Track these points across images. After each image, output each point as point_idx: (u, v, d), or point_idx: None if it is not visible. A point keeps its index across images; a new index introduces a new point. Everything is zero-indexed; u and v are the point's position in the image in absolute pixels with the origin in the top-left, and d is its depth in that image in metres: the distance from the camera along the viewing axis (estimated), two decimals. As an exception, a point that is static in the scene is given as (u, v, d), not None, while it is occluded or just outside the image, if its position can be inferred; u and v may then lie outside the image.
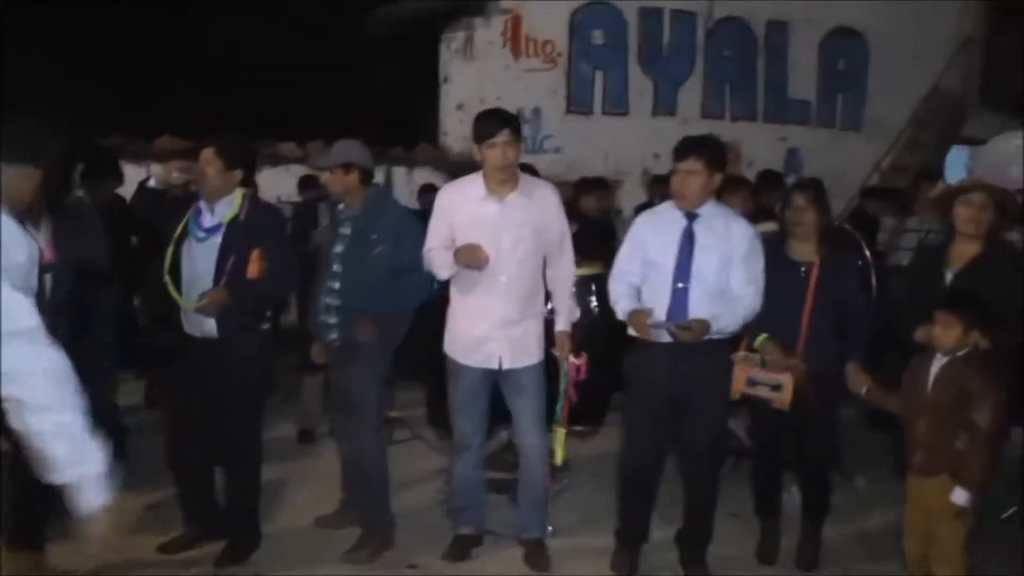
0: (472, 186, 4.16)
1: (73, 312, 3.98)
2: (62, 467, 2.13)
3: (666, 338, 3.89)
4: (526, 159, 4.64)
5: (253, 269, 4.01)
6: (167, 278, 4.05)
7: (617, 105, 11.15)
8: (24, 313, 2.12)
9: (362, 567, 4.23)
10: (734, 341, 4.14)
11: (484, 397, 4.22)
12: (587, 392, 4.32)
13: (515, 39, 10.76)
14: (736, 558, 4.36)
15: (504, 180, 4.07)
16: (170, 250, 4.06)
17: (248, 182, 4.17)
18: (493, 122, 4.05)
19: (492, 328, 4.09)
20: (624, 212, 8.55)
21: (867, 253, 5.54)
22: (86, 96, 10.01)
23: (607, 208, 7.82)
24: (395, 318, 4.23)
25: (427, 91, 10.98)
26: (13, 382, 2.10)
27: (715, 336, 3.89)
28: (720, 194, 5.49)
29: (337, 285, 4.23)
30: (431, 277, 4.35)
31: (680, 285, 3.91)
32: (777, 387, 3.99)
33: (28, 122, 2.86)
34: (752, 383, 4.03)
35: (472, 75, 10.62)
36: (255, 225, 4.04)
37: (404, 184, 9.75)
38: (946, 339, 3.55)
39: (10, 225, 2.25)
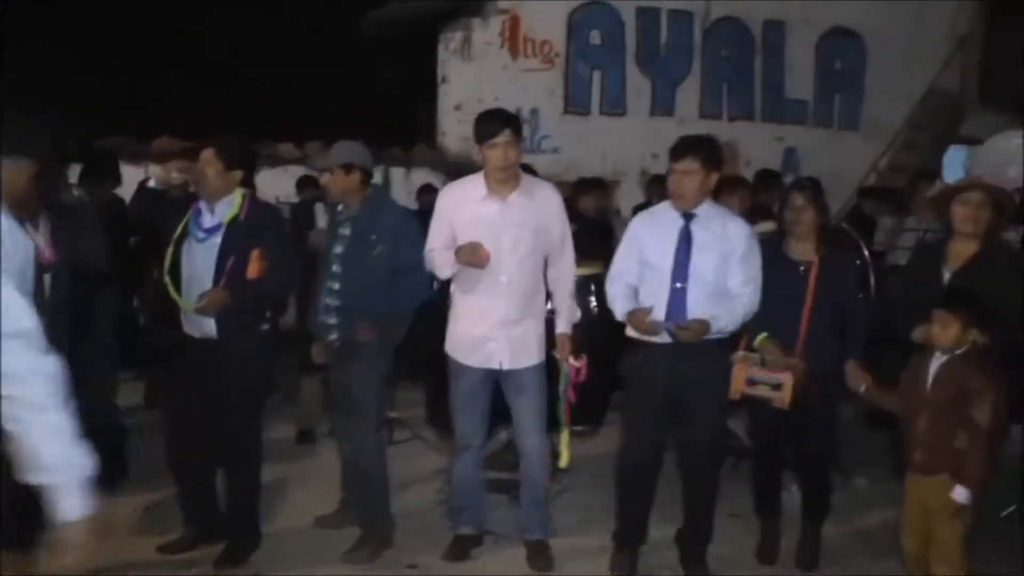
0: (473, 186, 4.16)
1: (73, 312, 3.99)
2: (48, 469, 2.10)
3: (665, 338, 3.89)
4: (524, 159, 4.64)
5: (253, 269, 4.01)
6: (167, 278, 4.05)
7: (615, 105, 11.15)
8: (22, 314, 2.12)
9: (362, 567, 4.24)
10: (733, 341, 4.15)
11: (485, 397, 4.23)
12: (586, 392, 4.33)
13: (513, 39, 10.76)
14: (736, 558, 4.37)
15: (505, 180, 4.08)
16: (170, 250, 4.07)
17: (248, 183, 4.16)
18: (494, 122, 4.05)
19: (492, 328, 4.10)
20: (622, 212, 8.55)
21: (865, 253, 5.55)
22: (86, 96, 10.02)
23: (605, 208, 7.84)
24: (395, 318, 4.23)
25: (425, 91, 10.98)
26: (8, 382, 2.09)
27: (714, 336, 3.89)
28: (718, 194, 5.51)
29: (337, 286, 4.23)
30: (431, 277, 4.36)
31: (678, 285, 3.91)
32: (777, 386, 3.99)
33: (19, 116, 2.87)
34: (752, 383, 4.03)
35: (470, 75, 10.62)
36: (255, 225, 4.04)
37: (402, 185, 9.75)
38: (944, 337, 3.56)
39: (9, 225, 2.25)
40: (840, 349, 4.10)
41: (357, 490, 4.51)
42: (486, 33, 10.67)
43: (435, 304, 4.89)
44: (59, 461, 2.09)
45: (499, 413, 4.31)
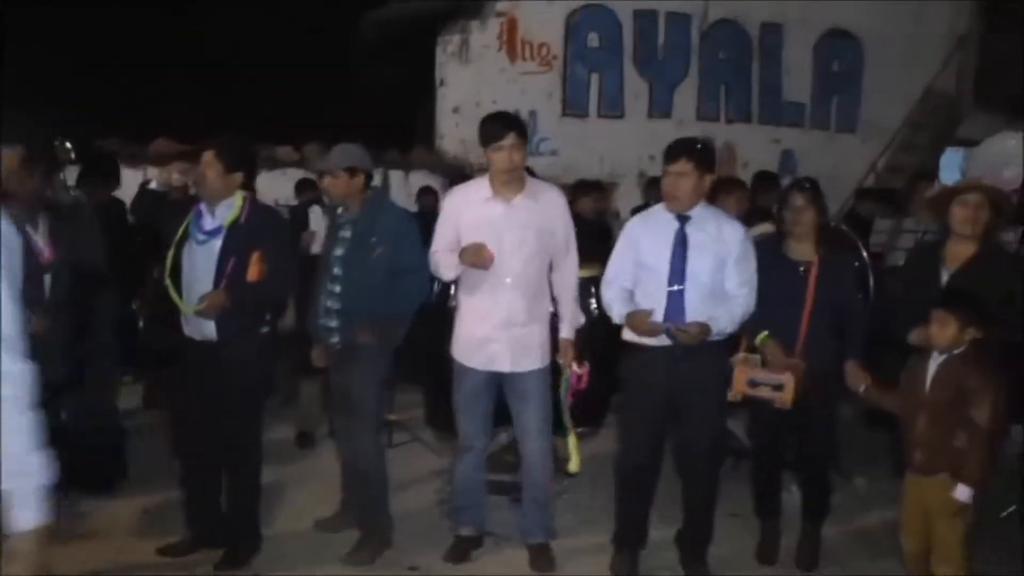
0: (478, 188, 4.18)
1: (73, 312, 4.00)
2: (5, 473, 2.01)
3: (664, 340, 3.90)
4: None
5: (253, 272, 4.01)
6: (168, 281, 4.05)
7: (613, 107, 11.17)
8: (8, 319, 2.09)
9: (363, 569, 4.24)
10: (732, 342, 4.15)
11: (488, 400, 4.23)
12: (586, 394, 4.33)
13: (511, 42, 10.77)
14: (736, 558, 4.37)
15: (509, 182, 4.09)
16: (171, 253, 4.07)
17: (249, 185, 4.16)
18: (499, 125, 4.06)
19: (495, 329, 4.10)
20: (621, 214, 8.56)
21: (864, 254, 5.56)
22: (85, 96, 10.01)
23: (603, 210, 7.85)
24: (394, 320, 4.23)
25: (423, 94, 10.99)
26: None
27: (713, 337, 3.90)
28: (715, 195, 5.54)
29: (338, 288, 4.22)
30: (431, 278, 4.37)
31: (675, 287, 3.92)
32: (778, 387, 4.00)
33: (4, 104, 2.88)
34: (753, 384, 4.04)
35: (468, 78, 10.63)
36: (255, 228, 4.04)
37: (401, 187, 9.75)
38: (942, 337, 3.57)
39: (5, 225, 2.24)
40: (840, 349, 4.11)
41: (356, 492, 4.51)
42: (484, 36, 10.68)
43: (434, 306, 4.90)
44: (14, 467, 2.01)
45: (499, 414, 4.31)
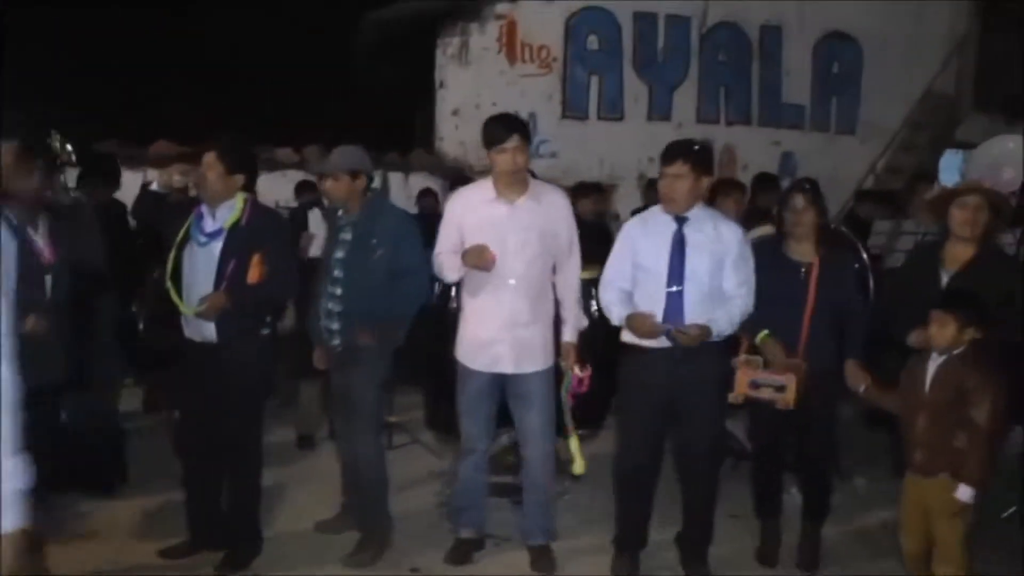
0: (482, 190, 4.19)
1: (74, 313, 4.00)
2: None
3: (663, 342, 3.90)
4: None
5: (253, 274, 4.02)
6: (169, 283, 4.06)
7: (612, 110, 11.17)
8: None
9: (364, 570, 4.24)
10: (733, 343, 4.16)
11: (491, 402, 4.23)
12: (586, 396, 4.33)
13: (510, 44, 10.77)
14: (736, 559, 4.38)
15: (513, 184, 4.09)
16: (172, 255, 4.07)
17: (250, 187, 4.16)
18: (503, 127, 4.06)
19: (499, 330, 4.10)
20: (620, 216, 8.57)
21: (864, 255, 5.57)
22: (85, 96, 10.02)
23: (603, 212, 7.86)
24: (395, 321, 4.23)
25: (422, 96, 11.00)
26: None
27: (712, 338, 3.91)
28: (714, 197, 5.55)
29: (339, 291, 4.22)
30: (432, 279, 4.37)
31: (674, 288, 3.93)
32: (780, 388, 4.01)
33: (4, 104, 2.89)
34: (755, 385, 4.04)
35: (467, 80, 10.63)
36: (256, 230, 4.05)
37: (400, 189, 9.74)
38: (942, 338, 3.58)
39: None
40: (840, 349, 4.12)
41: (357, 493, 4.51)
42: (483, 38, 10.69)
43: (434, 308, 4.91)
44: None
45: (500, 416, 4.31)
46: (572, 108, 11.06)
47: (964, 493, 3.48)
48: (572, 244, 4.25)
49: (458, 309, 4.38)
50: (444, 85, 10.71)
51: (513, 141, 4.02)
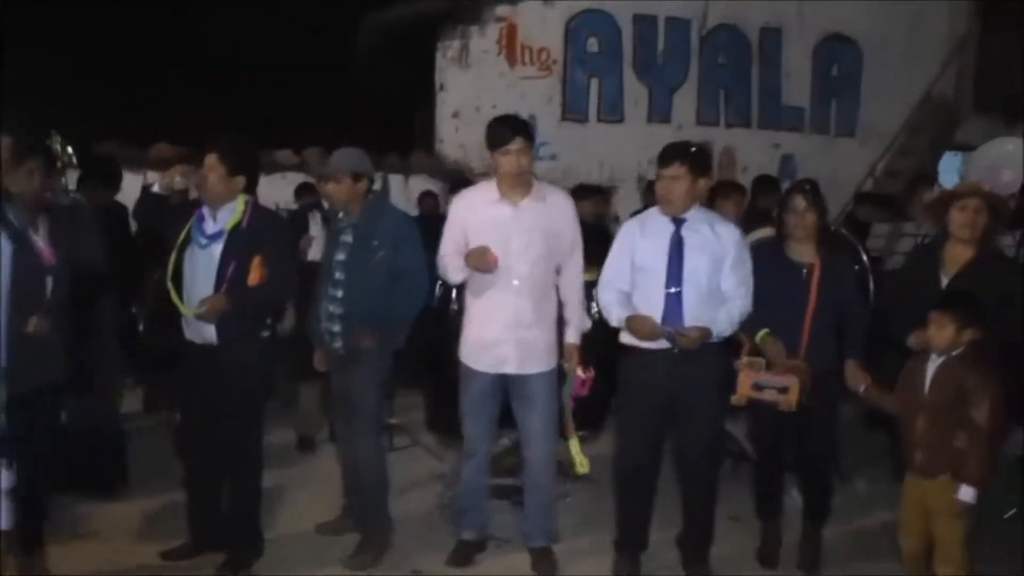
0: (486, 191, 4.19)
1: (75, 315, 4.00)
2: None
3: (663, 343, 3.91)
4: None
5: (254, 276, 4.01)
6: (169, 284, 4.06)
7: (612, 112, 11.18)
8: None
9: (365, 572, 4.24)
10: (735, 346, 4.17)
11: (494, 404, 4.23)
12: (587, 398, 4.34)
13: (510, 47, 10.78)
14: (737, 561, 4.38)
15: (516, 186, 4.10)
16: (173, 256, 4.07)
17: (251, 189, 4.16)
18: (506, 130, 4.06)
19: (503, 331, 4.10)
20: (620, 218, 8.57)
21: (864, 257, 5.58)
22: (85, 97, 10.01)
23: (603, 214, 7.86)
24: (396, 323, 4.24)
25: (423, 98, 11.01)
26: None
27: (712, 340, 3.92)
28: (713, 199, 5.56)
29: (340, 293, 4.22)
30: (433, 280, 4.37)
31: (673, 289, 3.94)
32: (783, 390, 4.01)
33: (4, 104, 2.90)
34: (758, 388, 4.05)
35: (468, 83, 10.64)
36: (257, 232, 4.04)
37: (400, 192, 9.76)
38: (940, 339, 3.59)
39: None
40: (840, 350, 4.13)
41: (357, 495, 4.51)
42: (483, 41, 10.70)
43: (435, 309, 4.91)
44: None
45: (501, 417, 4.31)
46: (572, 110, 11.07)
47: (966, 494, 3.49)
48: (575, 245, 4.25)
49: (459, 311, 4.39)
50: (444, 87, 10.73)
51: (517, 143, 4.02)
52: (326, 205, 5.75)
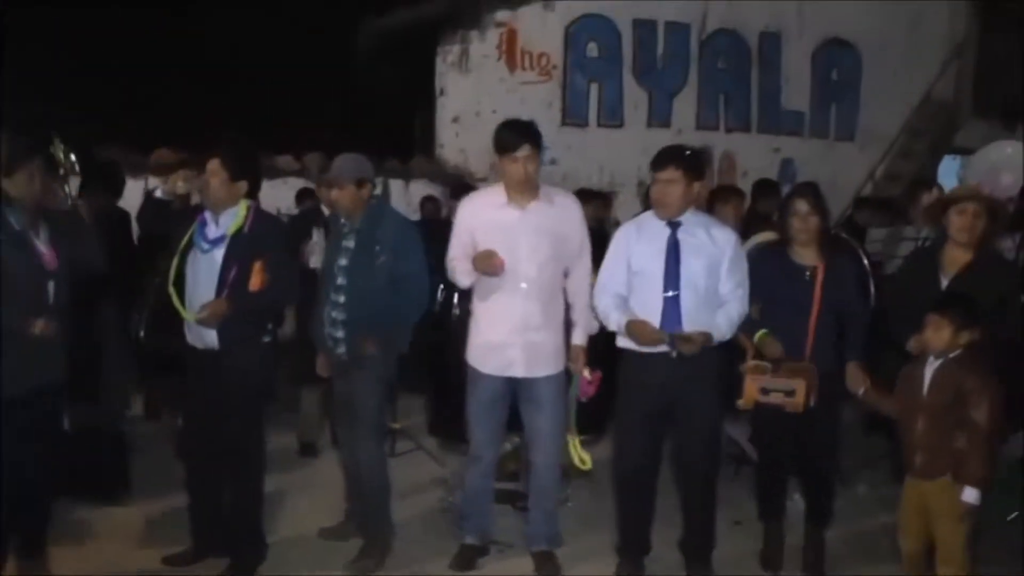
0: (493, 194, 4.21)
1: (78, 320, 4.01)
2: None
3: (662, 347, 3.92)
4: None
5: (255, 281, 4.02)
6: (171, 289, 4.07)
7: (612, 117, 11.19)
8: None
9: (368, 576, 4.26)
10: (739, 351, 4.18)
11: (502, 408, 4.24)
12: (589, 401, 4.34)
13: (510, 52, 10.80)
14: (740, 564, 4.39)
15: (524, 190, 4.11)
16: (175, 261, 4.08)
17: (254, 194, 4.18)
18: (514, 135, 4.07)
19: (511, 334, 4.11)
20: (621, 223, 8.57)
21: (864, 260, 5.59)
22: (85, 97, 10.00)
23: (603, 219, 7.88)
24: (398, 328, 4.25)
25: (423, 103, 11.02)
26: None
27: (713, 344, 3.93)
28: (713, 203, 5.57)
29: (342, 298, 4.22)
30: (436, 283, 4.38)
31: (670, 293, 3.95)
32: (791, 393, 4.02)
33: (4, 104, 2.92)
34: (765, 392, 4.05)
35: (468, 88, 10.66)
36: (258, 237, 4.06)
37: (401, 197, 9.78)
38: (937, 341, 3.61)
39: None
40: (841, 351, 4.14)
41: (359, 500, 4.52)
42: (483, 46, 10.71)
43: (436, 314, 4.92)
44: None
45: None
46: (572, 115, 11.08)
47: (970, 495, 3.50)
48: (583, 248, 4.26)
49: (460, 315, 4.39)
50: (444, 92, 10.74)
51: (524, 151, 4.03)
52: (326, 211, 5.75)
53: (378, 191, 4.65)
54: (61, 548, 4.15)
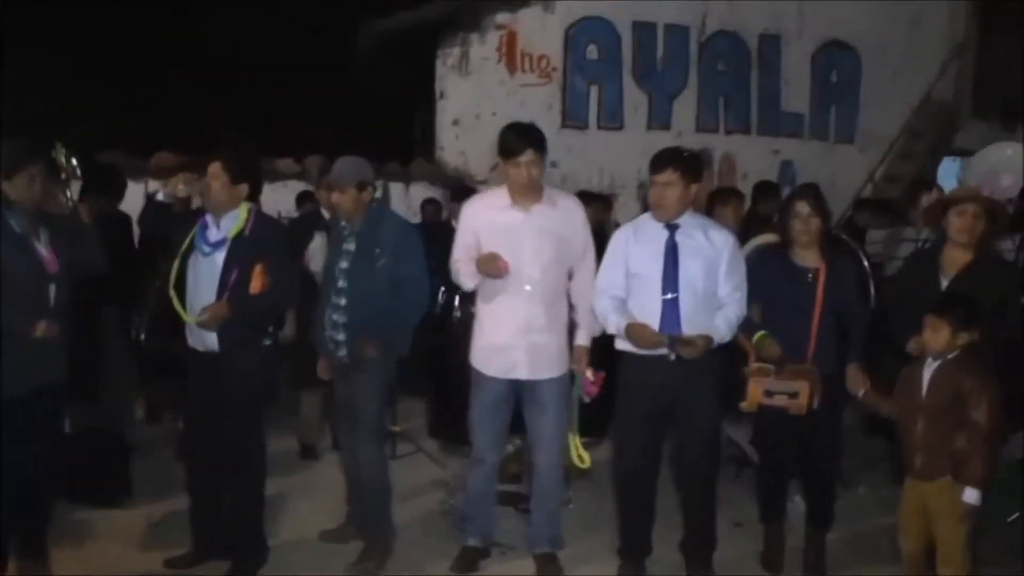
0: (496, 197, 4.21)
1: (78, 321, 4.02)
2: None
3: (661, 350, 3.92)
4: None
5: (256, 284, 4.03)
6: (172, 292, 4.08)
7: (612, 119, 11.19)
8: None
9: (369, 579, 4.26)
10: (741, 354, 4.18)
11: (505, 411, 4.25)
12: (591, 402, 4.35)
13: (510, 54, 10.80)
14: (741, 566, 4.39)
15: (527, 192, 4.11)
16: (176, 264, 4.09)
17: (254, 197, 4.18)
18: (518, 139, 4.06)
19: (515, 336, 4.11)
20: (621, 225, 8.58)
21: (864, 261, 5.60)
22: (85, 97, 10.01)
23: (603, 221, 7.88)
24: (399, 330, 4.26)
25: (423, 106, 11.03)
26: None
27: (713, 346, 3.94)
28: (712, 205, 5.58)
29: (343, 301, 4.22)
30: (436, 286, 4.38)
31: (669, 296, 3.95)
32: (794, 395, 4.02)
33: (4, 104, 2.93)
34: (769, 394, 4.05)
35: (468, 90, 10.66)
36: (259, 240, 4.06)
37: (401, 199, 9.78)
38: (936, 342, 3.61)
39: None
40: (843, 353, 4.14)
41: (360, 502, 4.52)
42: (483, 48, 10.72)
43: (437, 316, 4.92)
44: None
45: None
46: (572, 118, 11.08)
47: (971, 496, 3.51)
48: (587, 250, 4.27)
49: (461, 318, 4.39)
50: (444, 95, 10.74)
51: (527, 155, 4.02)
52: (326, 214, 5.76)
53: (378, 194, 4.65)
54: (62, 549, 4.17)
